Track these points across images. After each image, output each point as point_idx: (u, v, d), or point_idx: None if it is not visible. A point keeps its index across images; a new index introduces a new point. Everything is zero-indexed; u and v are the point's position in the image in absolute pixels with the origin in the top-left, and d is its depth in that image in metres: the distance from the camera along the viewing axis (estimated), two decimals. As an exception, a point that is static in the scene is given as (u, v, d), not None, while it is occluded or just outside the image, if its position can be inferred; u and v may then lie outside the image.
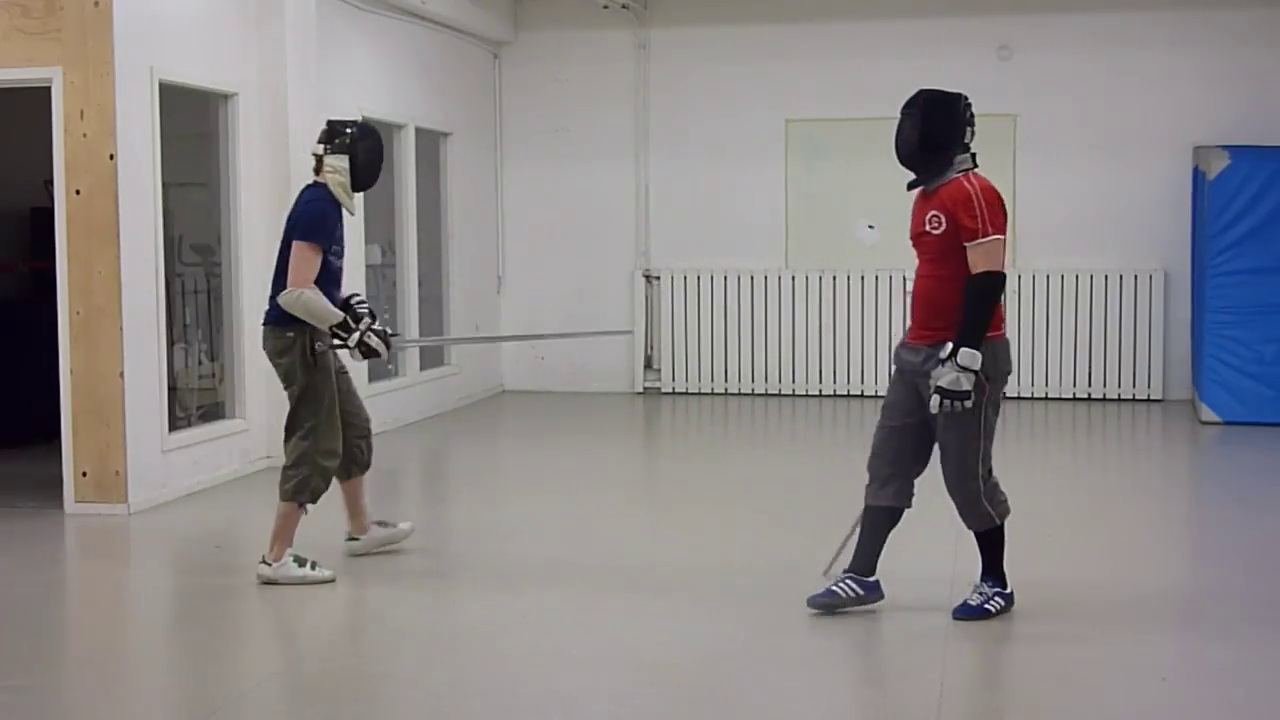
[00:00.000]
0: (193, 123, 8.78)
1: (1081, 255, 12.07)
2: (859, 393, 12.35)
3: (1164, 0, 11.89)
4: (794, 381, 12.45)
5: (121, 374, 7.58)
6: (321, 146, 6.28)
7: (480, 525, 7.62)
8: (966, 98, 5.59)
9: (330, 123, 6.38)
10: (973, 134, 5.55)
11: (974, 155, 5.54)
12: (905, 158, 5.61)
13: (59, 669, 5.31)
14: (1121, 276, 11.92)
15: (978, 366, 5.36)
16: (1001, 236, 5.40)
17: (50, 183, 7.74)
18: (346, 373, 6.54)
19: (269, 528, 6.29)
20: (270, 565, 6.19)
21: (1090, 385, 12.03)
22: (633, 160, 12.75)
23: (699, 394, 12.61)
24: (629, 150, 12.72)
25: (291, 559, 6.22)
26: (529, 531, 7.31)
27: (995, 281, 5.43)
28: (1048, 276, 12.03)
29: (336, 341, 6.20)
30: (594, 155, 12.82)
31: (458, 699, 4.76)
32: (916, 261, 5.64)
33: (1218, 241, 10.55)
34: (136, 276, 7.68)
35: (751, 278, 12.46)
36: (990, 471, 5.55)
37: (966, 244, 5.37)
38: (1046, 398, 12.10)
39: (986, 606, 5.53)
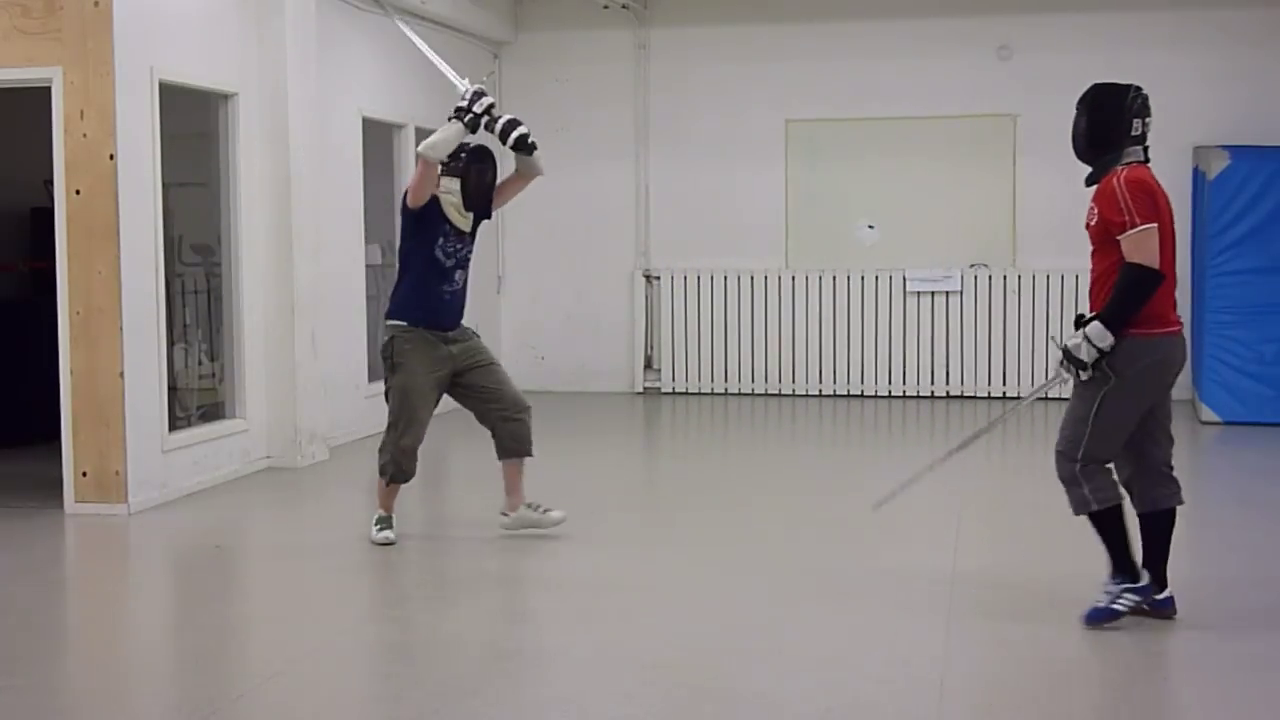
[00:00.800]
0: (193, 123, 8.78)
1: (1081, 255, 11.85)
2: (859, 393, 12.35)
3: (1164, 0, 11.89)
4: (794, 381, 12.46)
5: (121, 374, 7.58)
6: (440, 167, 6.65)
7: (480, 525, 7.61)
8: (1137, 89, 5.50)
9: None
10: (1145, 125, 5.47)
11: (1145, 147, 5.48)
12: (1077, 153, 5.64)
13: (59, 669, 5.31)
14: (1121, 276, 11.89)
15: (1104, 345, 5.38)
16: (1150, 225, 5.28)
17: (50, 183, 7.74)
18: (495, 364, 6.97)
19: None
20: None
21: (1090, 385, 12.01)
22: (633, 160, 12.75)
23: (699, 394, 12.61)
24: (629, 150, 12.73)
25: (376, 520, 6.90)
26: (529, 531, 7.30)
27: (1143, 275, 5.34)
28: (1048, 276, 12.03)
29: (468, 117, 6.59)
30: (594, 155, 12.82)
31: (458, 699, 4.76)
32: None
33: (1218, 241, 10.55)
34: (136, 276, 7.68)
35: (751, 278, 12.46)
36: (1096, 461, 5.46)
37: (1118, 237, 5.33)
38: (1047, 398, 12.08)
39: (1114, 606, 5.39)
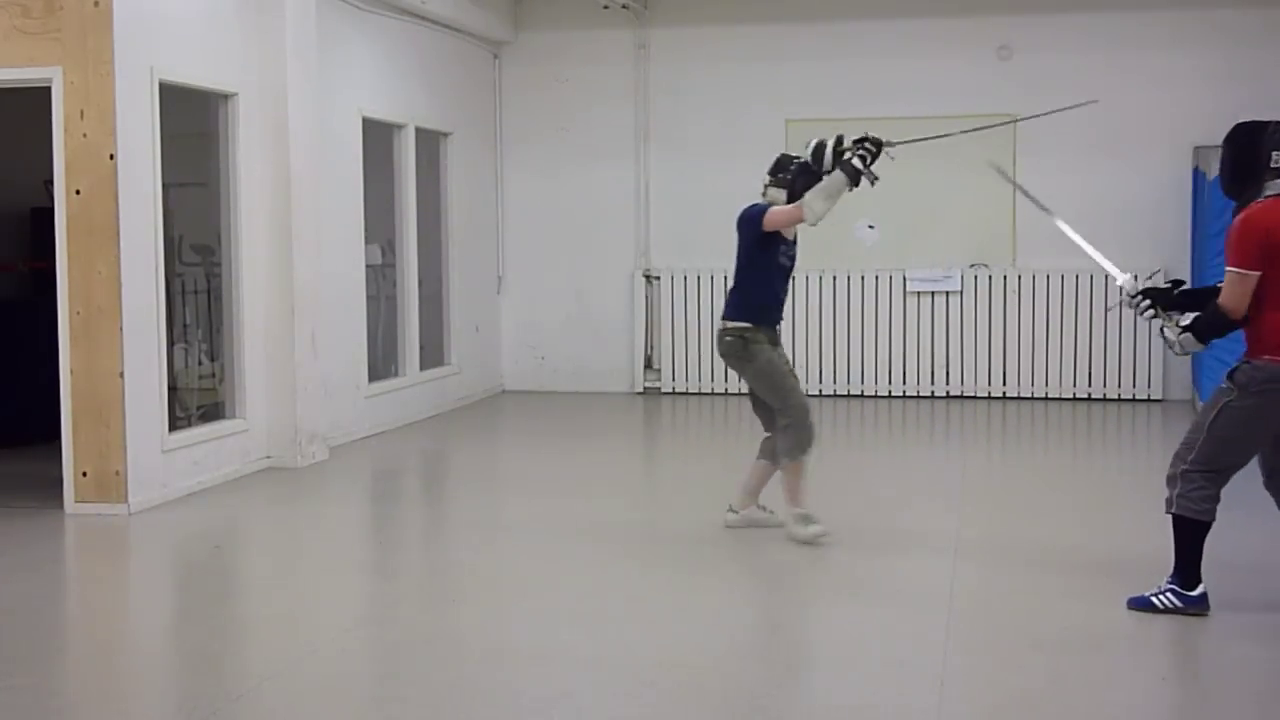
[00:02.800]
0: (193, 123, 8.78)
1: (1082, 255, 11.95)
2: (859, 393, 12.36)
3: (1164, 0, 11.89)
4: (794, 381, 12.45)
5: (121, 374, 7.58)
6: (769, 177, 6.94)
7: (480, 525, 7.61)
8: (1276, 125, 5.51)
9: (781, 156, 7.04)
10: None
11: None
12: (1224, 192, 5.70)
13: (59, 669, 5.31)
14: (1121, 276, 11.90)
15: (1186, 342, 5.55)
16: (1237, 270, 5.36)
17: (50, 183, 7.74)
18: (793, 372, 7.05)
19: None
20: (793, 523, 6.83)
21: (1090, 385, 12.04)
22: (633, 160, 12.75)
23: (699, 394, 12.61)
24: (629, 150, 12.73)
25: (795, 518, 6.81)
26: (529, 531, 7.31)
27: (1220, 318, 5.47)
28: (1048, 276, 12.03)
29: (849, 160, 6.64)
30: (594, 155, 12.82)
31: (458, 699, 4.76)
32: None
33: (1218, 241, 10.49)
34: (136, 276, 7.68)
35: (751, 278, 12.44)
36: (1207, 470, 5.46)
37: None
38: (1046, 398, 12.11)
39: (1153, 600, 5.53)
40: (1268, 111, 11.36)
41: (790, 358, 7.06)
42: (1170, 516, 5.53)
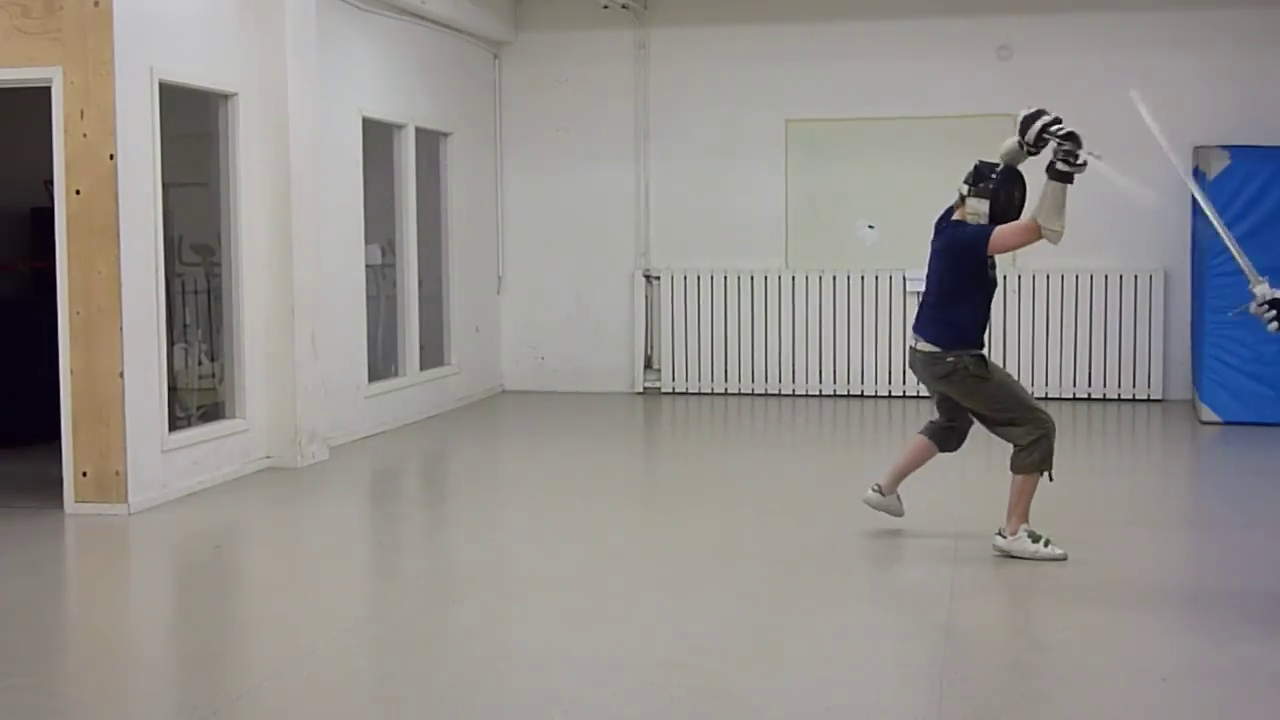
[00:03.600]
0: (193, 123, 8.78)
1: (1081, 255, 12.06)
2: (859, 393, 12.35)
3: (1164, 0, 11.89)
4: (794, 381, 12.46)
5: (121, 374, 7.58)
6: (966, 187, 6.56)
7: (480, 525, 7.62)
8: None
9: (979, 164, 6.63)
10: None
11: None
12: None
13: (59, 669, 5.31)
14: (1121, 276, 11.92)
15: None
16: None
17: (50, 183, 7.74)
18: None
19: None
20: (1005, 538, 6.51)
21: (1090, 385, 12.04)
22: (633, 160, 12.75)
23: (699, 394, 12.61)
24: (629, 150, 12.73)
25: (1026, 534, 6.49)
26: (529, 531, 7.31)
27: None
28: (1048, 276, 12.03)
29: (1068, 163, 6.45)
30: (594, 155, 12.82)
31: (458, 699, 4.76)
32: None
33: (1218, 241, 10.49)
34: (136, 276, 7.68)
35: (751, 278, 12.46)
36: None
37: None
38: (1046, 398, 12.09)
39: None
40: (1268, 111, 11.43)
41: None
42: None
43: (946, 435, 7.01)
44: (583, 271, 12.87)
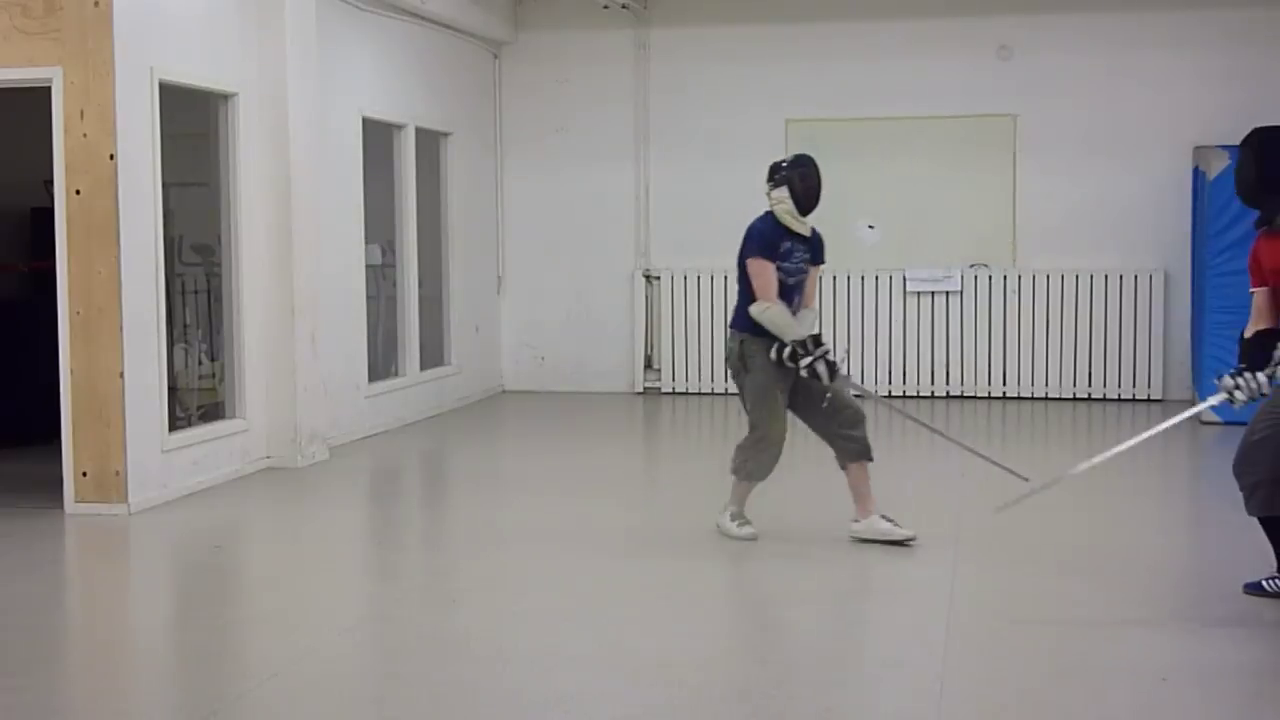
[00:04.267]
0: (193, 123, 8.78)
1: (1081, 255, 12.07)
2: (859, 393, 12.33)
3: (1164, 0, 11.89)
4: (794, 381, 12.45)
5: (121, 374, 7.58)
6: (767, 185, 7.07)
7: (480, 525, 7.61)
8: None
9: (772, 165, 7.19)
10: None
11: None
12: (1245, 197, 5.58)
13: (59, 669, 5.31)
14: (1121, 276, 11.92)
15: None
16: None
17: (50, 183, 7.73)
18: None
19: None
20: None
21: (1090, 385, 12.04)
22: (633, 160, 12.75)
23: (699, 394, 12.61)
24: (629, 150, 12.73)
25: (730, 515, 6.98)
26: (529, 531, 7.31)
27: None
28: (1048, 276, 12.03)
29: (790, 355, 6.71)
30: (594, 155, 12.82)
31: (458, 699, 4.76)
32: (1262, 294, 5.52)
33: (1217, 241, 10.55)
34: (136, 276, 7.68)
35: (751, 278, 12.44)
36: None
37: None
38: (1046, 398, 12.10)
39: (1264, 583, 5.71)
40: (1268, 111, 11.42)
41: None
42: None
43: (842, 447, 7.02)
44: (583, 271, 12.87)
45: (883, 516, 6.88)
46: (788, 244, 6.98)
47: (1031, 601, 5.86)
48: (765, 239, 6.96)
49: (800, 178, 6.99)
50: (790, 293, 7.00)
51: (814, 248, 7.15)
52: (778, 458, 6.92)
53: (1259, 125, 5.64)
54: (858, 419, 7.00)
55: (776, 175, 7.08)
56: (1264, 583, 5.74)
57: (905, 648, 5.26)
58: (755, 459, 6.90)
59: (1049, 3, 11.99)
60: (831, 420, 6.95)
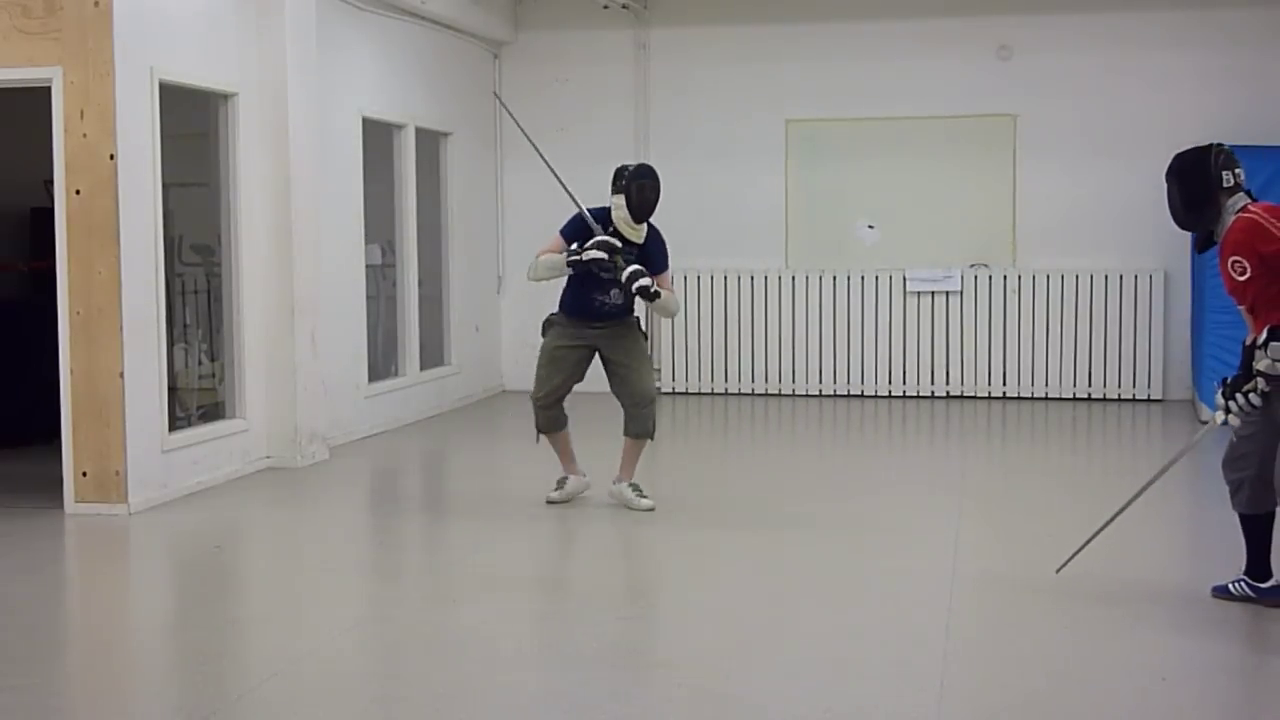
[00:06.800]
0: (193, 123, 8.78)
1: (1081, 255, 12.07)
2: (859, 393, 12.35)
3: (1163, 0, 11.89)
4: (794, 381, 12.46)
5: (121, 374, 7.58)
6: (612, 187, 7.46)
7: (480, 525, 7.61)
8: (1218, 147, 5.59)
9: (618, 167, 7.56)
10: (1236, 175, 5.54)
11: (1248, 191, 5.55)
12: (1180, 224, 5.68)
13: (59, 669, 5.31)
14: (1121, 276, 11.92)
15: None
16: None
17: (50, 183, 7.73)
18: (625, 360, 7.71)
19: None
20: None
21: (1090, 385, 12.04)
22: (632, 160, 12.70)
23: (699, 394, 12.61)
24: (629, 151, 12.71)
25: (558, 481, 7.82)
26: (529, 531, 7.31)
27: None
28: (1048, 276, 12.04)
29: (575, 258, 7.32)
30: (594, 155, 12.78)
31: (458, 699, 4.76)
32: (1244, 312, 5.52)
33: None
34: (136, 276, 7.68)
35: (751, 278, 12.46)
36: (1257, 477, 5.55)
37: None
38: (1046, 398, 12.10)
39: (1229, 587, 5.70)
40: (1268, 111, 11.42)
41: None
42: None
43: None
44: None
45: (631, 485, 7.60)
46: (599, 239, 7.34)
47: (1032, 601, 5.86)
48: (571, 224, 7.52)
49: (639, 189, 7.36)
50: (607, 285, 7.42)
51: (648, 254, 7.48)
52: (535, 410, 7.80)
53: (1181, 151, 5.67)
54: (634, 401, 7.64)
55: (618, 181, 7.45)
56: (1230, 585, 5.73)
57: (905, 648, 5.26)
58: (535, 415, 7.90)
59: (1049, 3, 11.99)
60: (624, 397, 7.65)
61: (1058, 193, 12.06)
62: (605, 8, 12.15)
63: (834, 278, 12.34)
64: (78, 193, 7.55)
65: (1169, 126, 11.80)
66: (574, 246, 7.32)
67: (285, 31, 8.90)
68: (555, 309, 7.81)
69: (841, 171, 12.41)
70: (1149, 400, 11.88)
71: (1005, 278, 12.14)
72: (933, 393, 12.26)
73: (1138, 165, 11.93)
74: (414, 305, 11.21)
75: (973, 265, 12.20)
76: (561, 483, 7.87)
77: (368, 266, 10.59)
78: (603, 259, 7.22)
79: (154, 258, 7.86)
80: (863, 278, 12.31)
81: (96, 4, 7.47)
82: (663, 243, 7.61)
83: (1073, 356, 12.06)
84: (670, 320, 12.54)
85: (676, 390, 12.65)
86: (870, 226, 12.41)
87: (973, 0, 12.11)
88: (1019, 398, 12.12)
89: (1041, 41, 12.02)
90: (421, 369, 11.39)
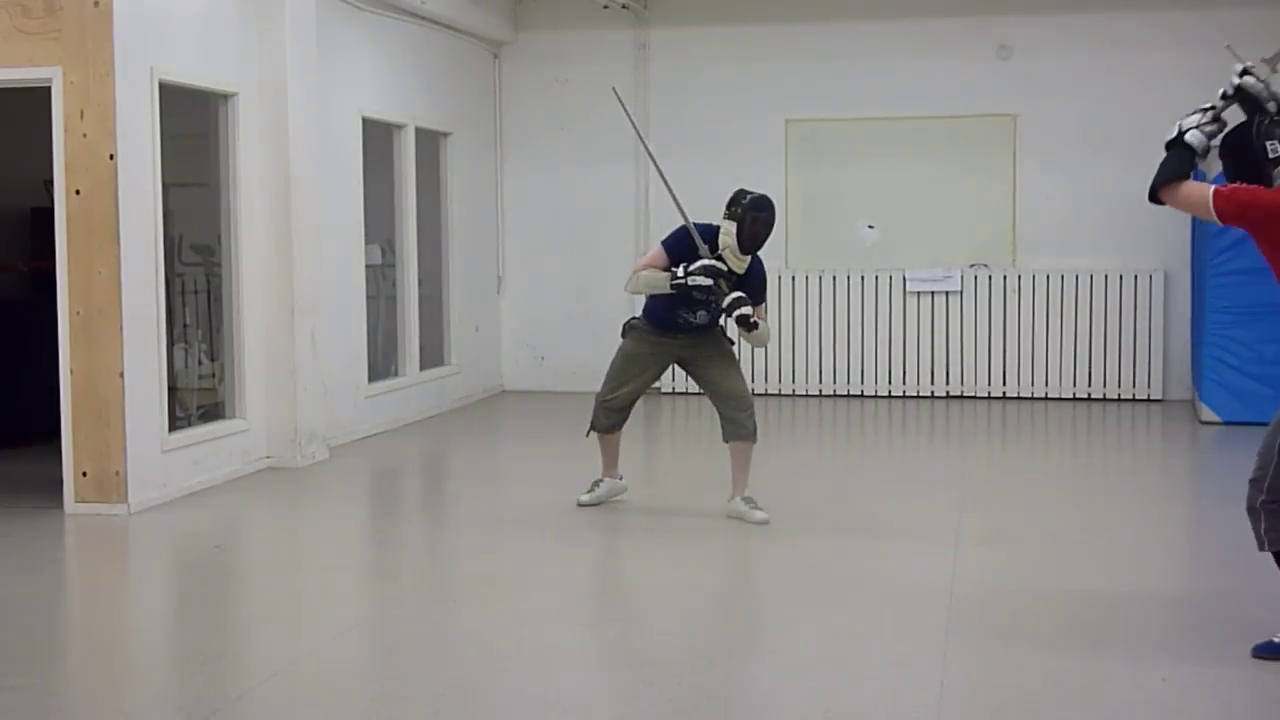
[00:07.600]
0: (193, 123, 8.78)
1: (1081, 255, 12.07)
2: (859, 393, 12.35)
3: (1163, 0, 11.89)
4: (794, 381, 12.46)
5: (121, 374, 7.58)
6: (725, 210, 7.27)
7: (480, 525, 7.61)
8: (1260, 116, 5.36)
9: (737, 191, 7.35)
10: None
11: None
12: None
13: (59, 669, 5.31)
14: (1121, 276, 11.93)
15: None
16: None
17: (50, 183, 7.73)
18: (712, 366, 7.69)
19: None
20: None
21: (1090, 385, 12.04)
22: (633, 160, 12.74)
23: (699, 394, 12.56)
24: (629, 150, 12.71)
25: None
26: (529, 531, 7.31)
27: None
28: (1048, 276, 12.04)
29: (679, 281, 7.16)
30: (594, 155, 12.82)
31: (458, 699, 4.76)
32: None
33: (1218, 241, 10.55)
34: (136, 276, 7.68)
35: (751, 278, 12.45)
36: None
37: None
38: (1046, 398, 12.11)
39: (1275, 640, 5.11)
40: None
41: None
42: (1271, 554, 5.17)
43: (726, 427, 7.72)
44: (583, 271, 12.87)
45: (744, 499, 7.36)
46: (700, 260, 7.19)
47: (1032, 601, 5.86)
48: (677, 240, 7.37)
49: (752, 221, 7.14)
50: (697, 305, 7.27)
51: (748, 284, 7.26)
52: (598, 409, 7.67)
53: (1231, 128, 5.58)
54: (732, 404, 7.52)
55: (733, 207, 7.26)
56: (1276, 639, 5.15)
57: (905, 648, 5.26)
58: (597, 414, 7.72)
59: (1049, 3, 12.00)
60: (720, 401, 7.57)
61: (1057, 193, 12.06)
62: (605, 8, 12.15)
63: (834, 278, 12.34)
64: (78, 193, 7.55)
65: (1169, 127, 11.78)
66: (678, 270, 7.13)
67: (285, 31, 8.90)
68: (638, 315, 7.74)
69: (841, 171, 12.41)
70: (1149, 400, 11.88)
71: (1005, 278, 12.14)
72: (933, 393, 12.26)
73: (1138, 165, 11.85)
74: (414, 305, 11.21)
75: (972, 265, 12.20)
76: (595, 485, 7.78)
77: (368, 266, 10.59)
78: (708, 285, 7.06)
79: (154, 258, 7.86)
80: (863, 278, 12.32)
81: (96, 4, 7.47)
82: (764, 275, 7.39)
83: (1072, 356, 12.06)
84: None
85: (677, 391, 12.65)
86: (870, 226, 12.41)
87: (973, 0, 12.11)
88: (1019, 398, 12.12)
89: (1041, 41, 12.02)
90: (421, 369, 11.39)
